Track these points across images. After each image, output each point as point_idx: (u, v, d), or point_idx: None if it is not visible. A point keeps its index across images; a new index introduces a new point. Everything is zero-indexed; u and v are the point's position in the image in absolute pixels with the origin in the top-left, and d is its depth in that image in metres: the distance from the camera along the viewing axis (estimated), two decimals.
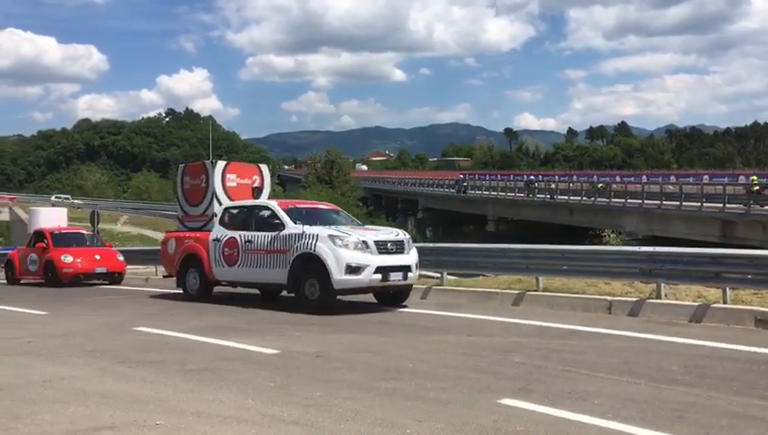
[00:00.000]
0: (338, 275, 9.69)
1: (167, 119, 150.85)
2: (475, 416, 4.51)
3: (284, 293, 11.51)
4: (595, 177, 54.95)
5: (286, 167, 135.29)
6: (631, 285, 10.27)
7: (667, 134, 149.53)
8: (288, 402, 4.91)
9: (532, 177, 55.97)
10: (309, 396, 5.08)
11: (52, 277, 16.96)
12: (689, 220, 31.18)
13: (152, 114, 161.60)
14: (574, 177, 60.57)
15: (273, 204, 11.34)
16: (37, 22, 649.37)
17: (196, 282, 12.14)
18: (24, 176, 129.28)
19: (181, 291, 12.50)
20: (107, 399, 5.07)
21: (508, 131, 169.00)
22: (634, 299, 9.56)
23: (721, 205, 29.49)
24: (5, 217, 61.80)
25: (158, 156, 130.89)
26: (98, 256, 17.57)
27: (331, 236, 9.90)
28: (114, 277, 17.38)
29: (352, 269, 9.68)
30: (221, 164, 12.66)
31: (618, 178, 55.11)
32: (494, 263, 11.95)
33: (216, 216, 12.11)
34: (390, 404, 4.83)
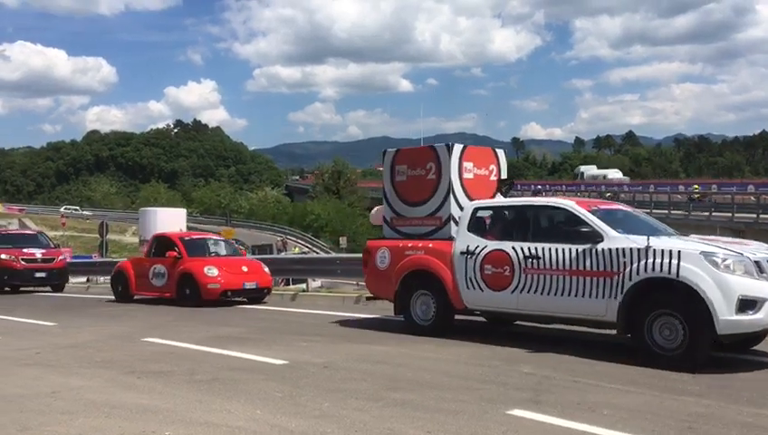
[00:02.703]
0: (725, 314, 6.33)
1: (175, 130, 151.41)
2: (484, 427, 4.50)
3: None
4: (603, 186, 54.83)
5: (294, 177, 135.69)
6: None
7: (674, 143, 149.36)
8: (296, 413, 4.91)
9: (539, 187, 55.89)
10: (317, 407, 5.08)
11: (193, 295, 13.32)
12: (698, 229, 31.10)
13: (160, 125, 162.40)
14: (582, 186, 60.39)
15: (572, 204, 7.92)
16: (48, 35, 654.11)
17: (428, 309, 8.85)
18: (33, 187, 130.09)
19: (402, 319, 9.18)
20: (116, 409, 5.08)
21: (515, 141, 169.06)
22: None
23: (730, 214, 29.45)
24: (15, 228, 62.11)
25: (166, 167, 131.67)
26: (245, 268, 14.03)
27: (707, 254, 6.55)
28: (262, 293, 13.97)
29: (746, 305, 6.38)
30: (458, 148, 9.27)
31: (626, 188, 54.95)
32: None
33: (453, 219, 8.93)
34: (399, 415, 4.82)
